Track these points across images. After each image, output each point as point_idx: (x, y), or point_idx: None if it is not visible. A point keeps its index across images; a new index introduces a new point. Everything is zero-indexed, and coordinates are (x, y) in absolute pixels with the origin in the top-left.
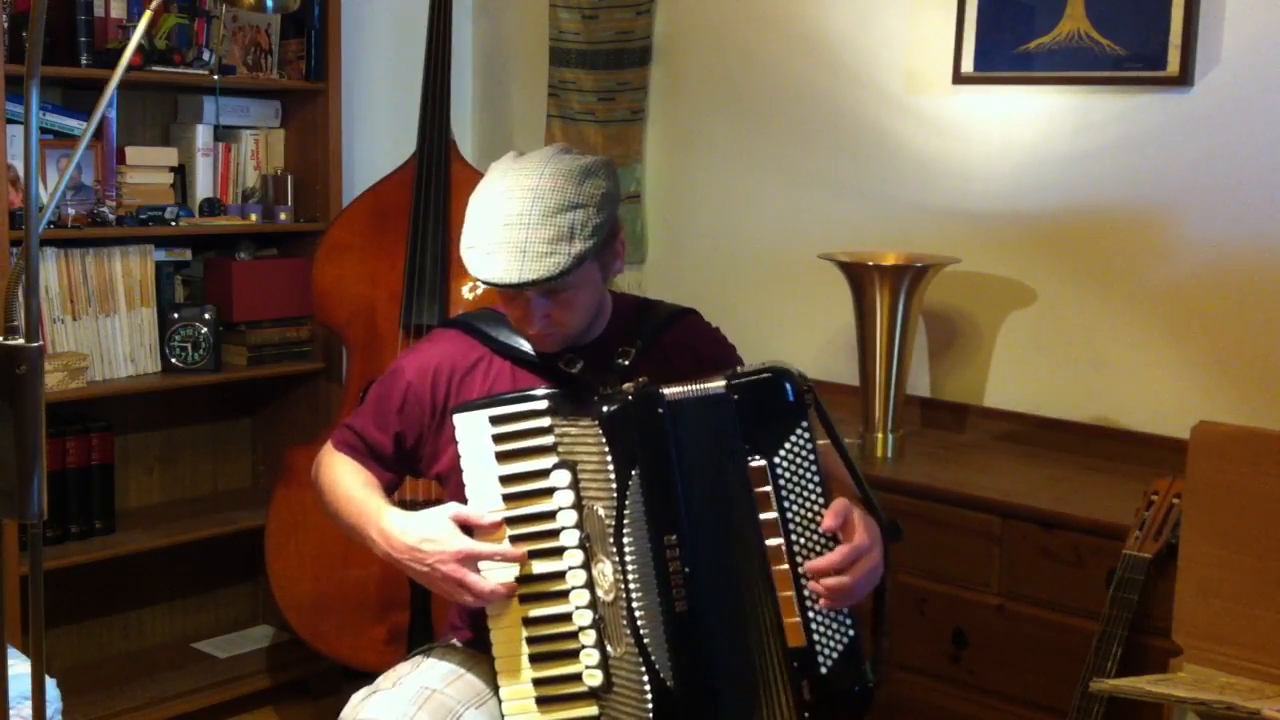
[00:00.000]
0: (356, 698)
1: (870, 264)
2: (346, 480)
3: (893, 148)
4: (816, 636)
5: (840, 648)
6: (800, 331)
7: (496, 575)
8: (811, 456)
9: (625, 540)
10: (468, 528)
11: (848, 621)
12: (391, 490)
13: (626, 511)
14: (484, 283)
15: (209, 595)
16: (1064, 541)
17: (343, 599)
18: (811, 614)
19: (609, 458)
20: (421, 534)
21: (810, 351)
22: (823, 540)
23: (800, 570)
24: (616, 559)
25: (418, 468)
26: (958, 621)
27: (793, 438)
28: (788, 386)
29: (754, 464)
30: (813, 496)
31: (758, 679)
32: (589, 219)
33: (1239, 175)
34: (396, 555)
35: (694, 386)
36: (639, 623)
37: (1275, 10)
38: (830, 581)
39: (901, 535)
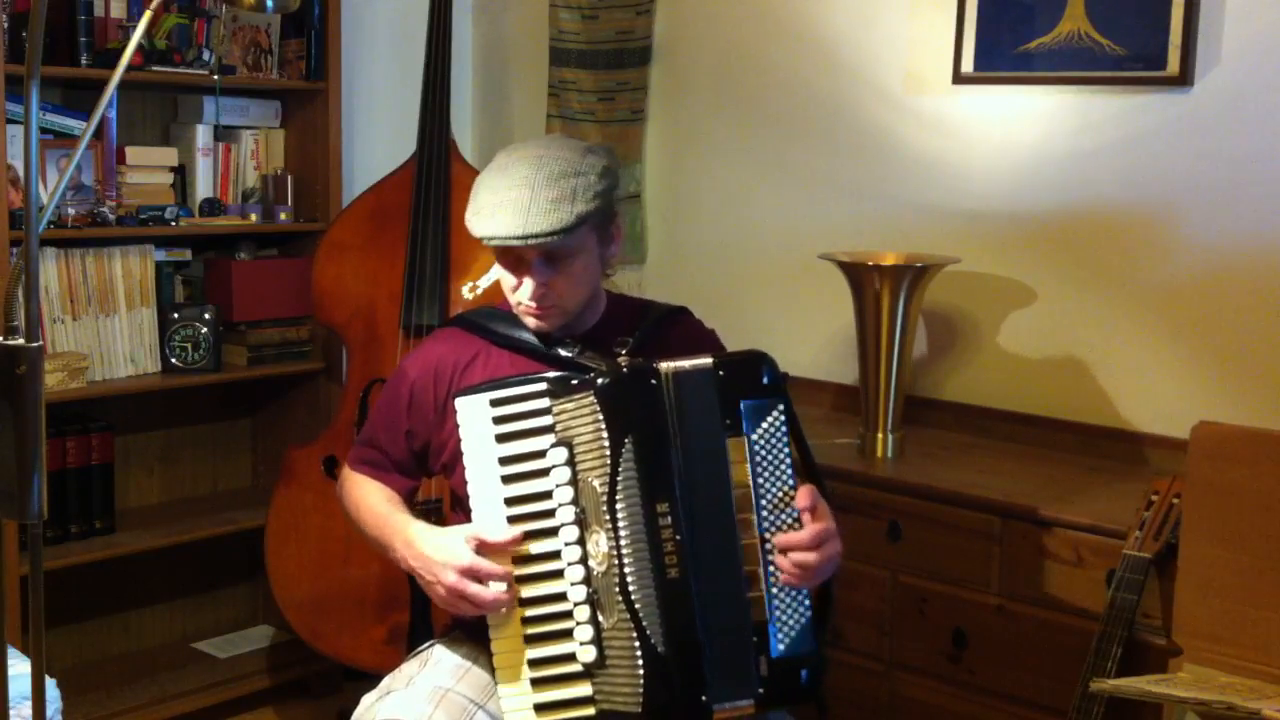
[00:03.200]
0: (368, 699)
1: (870, 264)
2: (370, 499)
3: (892, 148)
4: (776, 613)
5: (797, 628)
6: (800, 331)
7: (499, 589)
8: (785, 438)
9: (619, 508)
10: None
11: (805, 603)
12: (411, 496)
13: (620, 480)
14: (487, 239)
15: (209, 595)
16: (1064, 541)
17: (343, 599)
18: (774, 590)
19: (604, 429)
20: (434, 545)
21: (810, 351)
22: (789, 519)
23: (768, 546)
24: (610, 528)
25: (428, 466)
26: (958, 621)
27: (770, 418)
28: (768, 369)
29: (733, 439)
30: (784, 477)
31: (730, 649)
32: (590, 185)
33: (1239, 175)
34: (411, 563)
35: (683, 362)
36: (631, 589)
37: (1275, 10)
38: (798, 557)
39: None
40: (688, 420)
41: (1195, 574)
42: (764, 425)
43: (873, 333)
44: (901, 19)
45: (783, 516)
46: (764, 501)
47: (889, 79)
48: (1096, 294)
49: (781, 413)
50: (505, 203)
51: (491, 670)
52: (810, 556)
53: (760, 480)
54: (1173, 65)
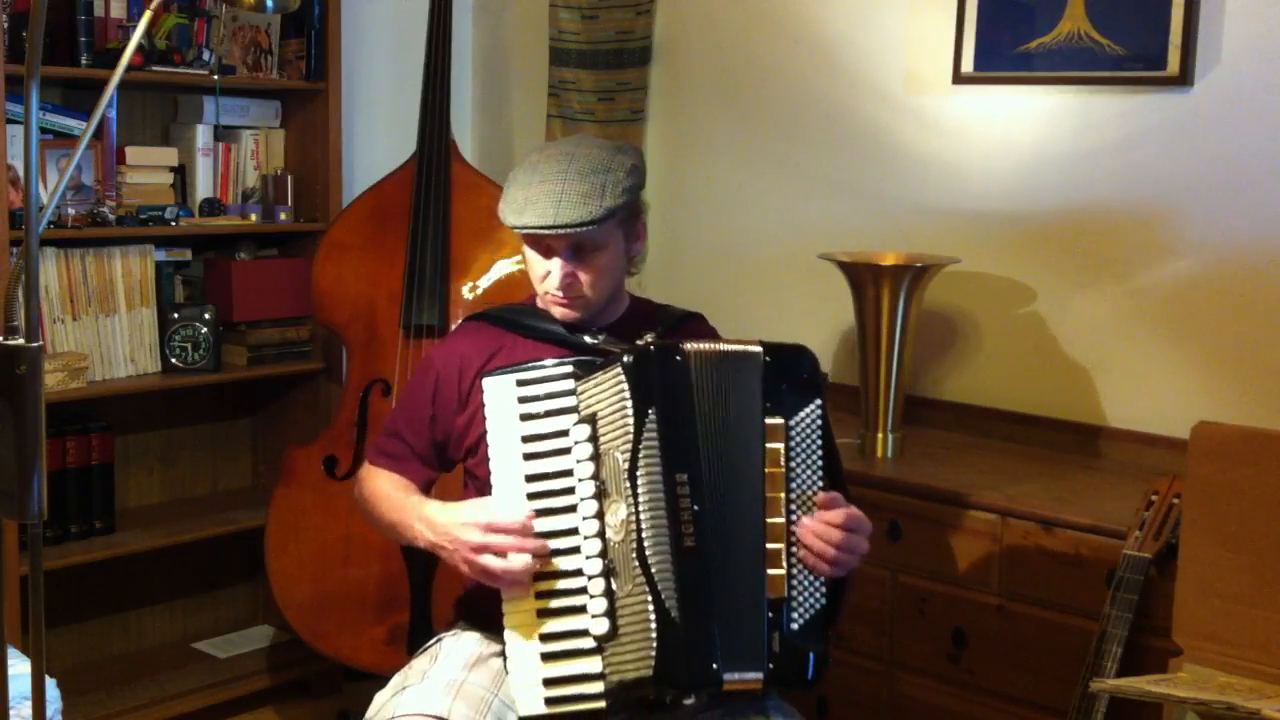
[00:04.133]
0: (381, 696)
1: (870, 264)
2: (385, 488)
3: (893, 148)
4: (794, 592)
5: (813, 609)
6: (800, 331)
7: (516, 560)
8: (820, 430)
9: (639, 476)
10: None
11: (822, 588)
12: (428, 489)
13: (642, 450)
14: (519, 228)
15: (209, 595)
16: (1064, 541)
17: (343, 599)
18: (795, 570)
19: (628, 402)
20: (453, 514)
21: None
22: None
23: (793, 526)
24: (630, 496)
25: (449, 455)
26: (958, 621)
27: (809, 407)
28: (811, 364)
29: (771, 421)
30: (814, 467)
31: (744, 622)
32: (619, 181)
33: (1239, 175)
34: (431, 536)
35: (724, 345)
36: (648, 555)
37: (1275, 10)
38: (833, 533)
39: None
40: (717, 398)
41: (1195, 574)
42: (802, 414)
43: (873, 333)
44: (901, 19)
45: (807, 505)
46: (794, 484)
47: (889, 79)
48: (1096, 294)
49: (818, 407)
50: (538, 195)
51: (499, 654)
52: (835, 532)
53: (792, 465)
54: (1173, 65)
